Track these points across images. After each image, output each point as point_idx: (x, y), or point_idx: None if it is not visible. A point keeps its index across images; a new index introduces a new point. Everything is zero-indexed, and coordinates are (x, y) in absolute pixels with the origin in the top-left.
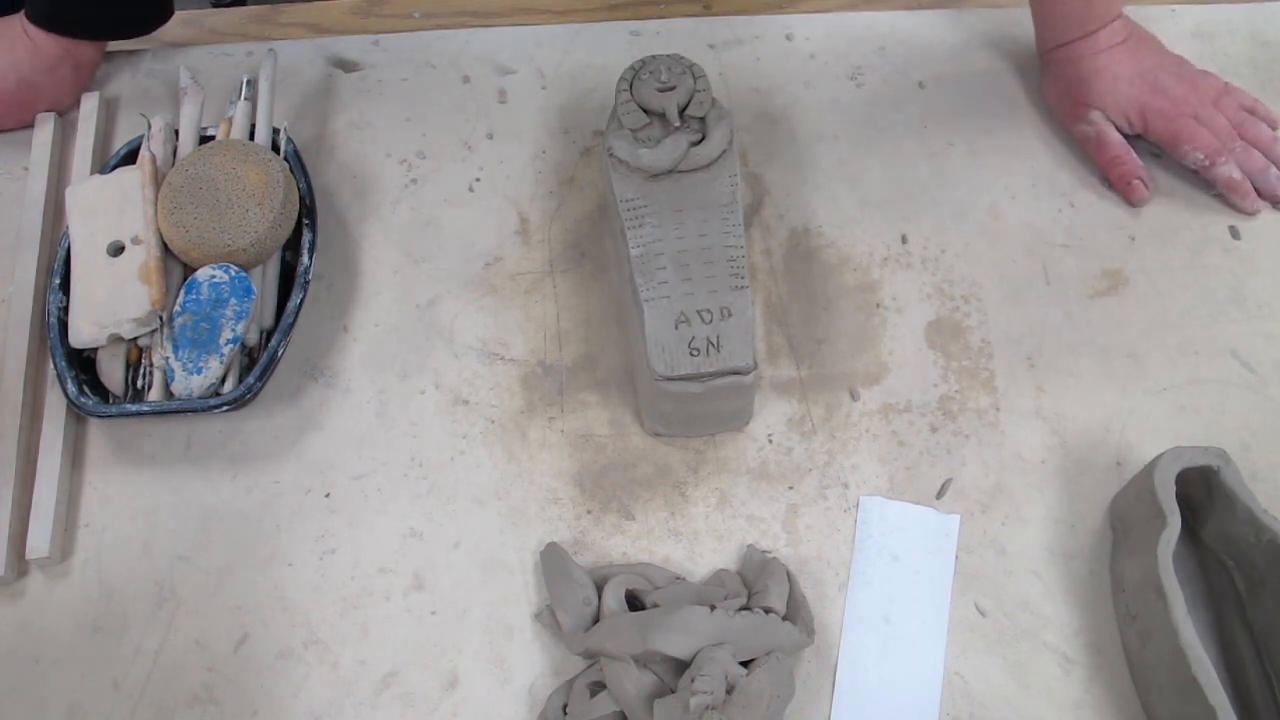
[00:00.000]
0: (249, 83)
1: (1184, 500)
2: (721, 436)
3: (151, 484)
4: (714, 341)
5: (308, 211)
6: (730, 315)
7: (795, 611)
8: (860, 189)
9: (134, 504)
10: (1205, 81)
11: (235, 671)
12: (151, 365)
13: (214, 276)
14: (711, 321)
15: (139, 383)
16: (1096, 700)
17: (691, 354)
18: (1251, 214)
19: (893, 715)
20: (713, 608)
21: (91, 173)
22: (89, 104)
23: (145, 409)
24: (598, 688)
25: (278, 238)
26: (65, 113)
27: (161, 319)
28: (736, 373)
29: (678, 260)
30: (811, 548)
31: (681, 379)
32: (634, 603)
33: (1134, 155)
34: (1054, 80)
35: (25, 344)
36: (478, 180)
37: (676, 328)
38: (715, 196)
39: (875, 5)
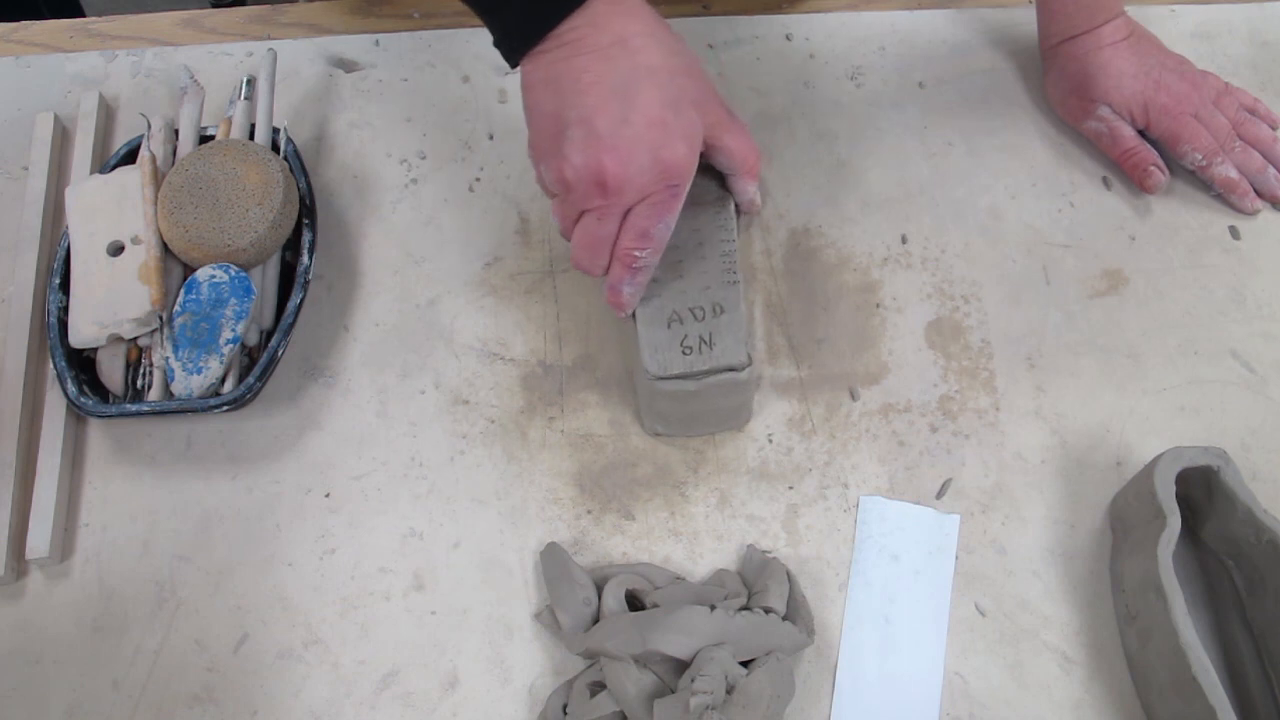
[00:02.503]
0: (249, 82)
1: (1184, 500)
2: (721, 436)
3: (151, 484)
4: (706, 339)
5: (308, 211)
6: (723, 311)
7: (795, 611)
8: (860, 189)
9: (134, 504)
10: (1206, 81)
11: (235, 671)
12: (151, 365)
13: (214, 276)
14: (704, 319)
15: (139, 383)
16: (1096, 700)
17: (684, 352)
18: (1250, 214)
19: (893, 715)
20: (713, 608)
21: (91, 172)
22: (89, 103)
23: (145, 409)
24: (598, 688)
25: (278, 238)
26: None
27: (161, 319)
28: (730, 369)
29: (670, 258)
30: (811, 548)
31: (676, 378)
32: (634, 603)
33: (1147, 145)
34: (1058, 77)
35: (25, 344)
36: (478, 180)
37: (669, 327)
38: (707, 192)
39: (875, 5)
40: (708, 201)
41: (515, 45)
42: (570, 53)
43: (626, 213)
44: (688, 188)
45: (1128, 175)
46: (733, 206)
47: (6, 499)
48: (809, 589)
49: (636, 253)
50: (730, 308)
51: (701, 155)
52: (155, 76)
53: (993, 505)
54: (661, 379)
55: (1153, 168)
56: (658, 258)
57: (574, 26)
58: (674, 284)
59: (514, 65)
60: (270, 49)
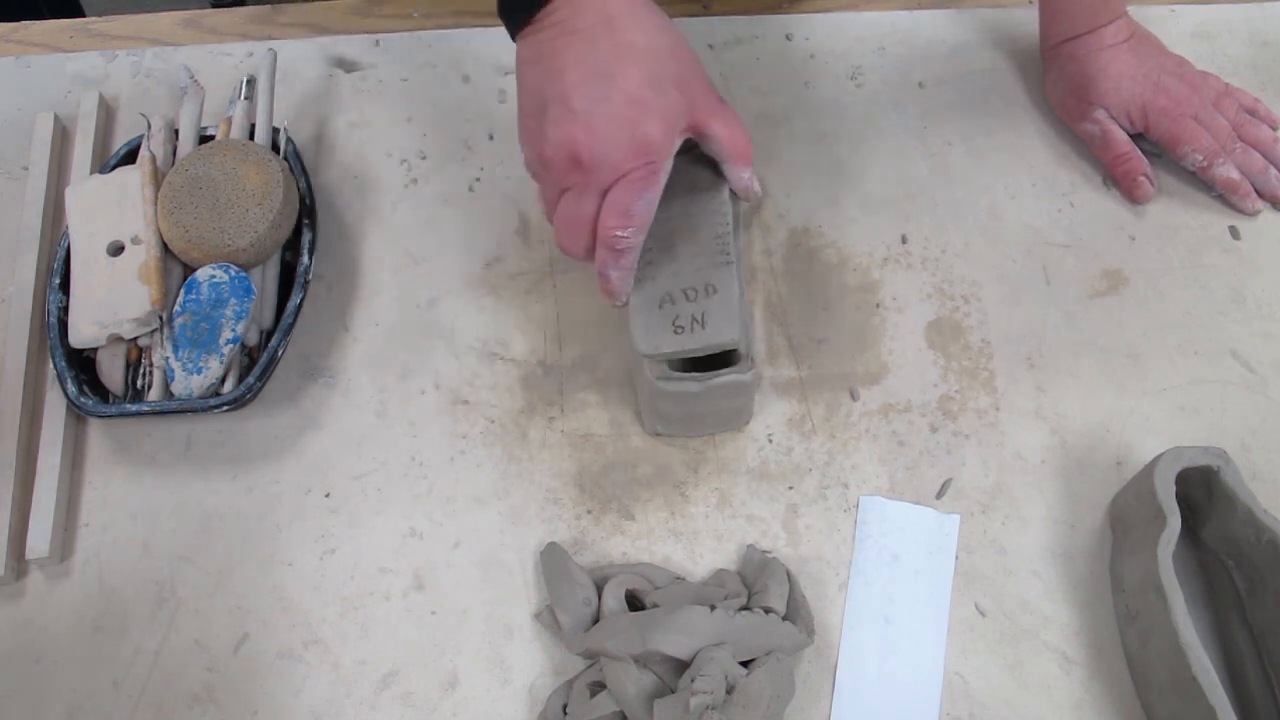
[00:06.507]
0: (249, 82)
1: (1184, 500)
2: (721, 436)
3: (151, 484)
4: (698, 318)
5: (308, 211)
6: (715, 291)
7: (795, 611)
8: (860, 189)
9: (134, 504)
10: (1206, 82)
11: (235, 671)
12: (151, 365)
13: (214, 276)
14: (696, 299)
15: (139, 383)
16: (1096, 700)
17: (675, 331)
18: (1251, 214)
19: (893, 715)
20: (713, 608)
21: (91, 172)
22: (89, 103)
23: (145, 409)
24: (598, 688)
25: (278, 238)
26: None
27: (161, 319)
28: (721, 347)
29: (665, 242)
30: (811, 548)
31: (676, 378)
32: (634, 603)
33: (1139, 153)
34: (1058, 77)
35: (25, 344)
36: (478, 180)
37: (661, 307)
38: (701, 179)
39: (875, 5)
40: (702, 188)
41: (509, 24)
42: (556, 33)
43: (607, 191)
44: (667, 166)
45: (1117, 182)
46: (727, 191)
47: (6, 499)
48: (809, 589)
49: (618, 232)
50: (723, 287)
51: (695, 142)
52: (155, 76)
53: (993, 505)
54: (662, 377)
55: (1142, 178)
56: (641, 238)
57: (560, 8)
58: (667, 267)
59: (514, 40)
60: (270, 49)
